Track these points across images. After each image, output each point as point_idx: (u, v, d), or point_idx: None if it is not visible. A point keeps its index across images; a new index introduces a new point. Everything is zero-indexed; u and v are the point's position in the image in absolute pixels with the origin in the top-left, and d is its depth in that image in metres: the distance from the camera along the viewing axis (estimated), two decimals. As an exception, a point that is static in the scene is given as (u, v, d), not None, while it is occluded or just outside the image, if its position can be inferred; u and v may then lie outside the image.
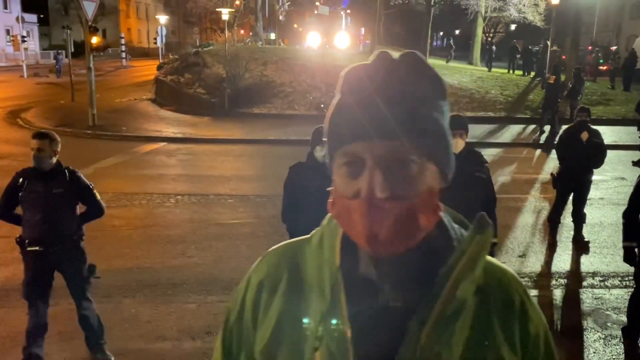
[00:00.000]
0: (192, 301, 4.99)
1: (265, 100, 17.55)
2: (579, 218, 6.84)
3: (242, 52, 19.94)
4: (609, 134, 12.67)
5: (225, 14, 18.86)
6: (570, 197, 6.86)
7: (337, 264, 0.89)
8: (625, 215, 4.27)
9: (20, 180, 3.72)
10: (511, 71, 25.24)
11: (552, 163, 9.80)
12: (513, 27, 42.80)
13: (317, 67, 18.74)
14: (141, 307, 4.91)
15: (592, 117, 7.26)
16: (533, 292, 5.47)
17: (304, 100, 17.42)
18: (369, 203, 0.80)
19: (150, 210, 7.92)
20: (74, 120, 15.46)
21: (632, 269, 4.38)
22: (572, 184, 6.73)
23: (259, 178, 10.10)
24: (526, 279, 5.81)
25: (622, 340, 4.45)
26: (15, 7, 47.85)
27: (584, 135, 6.51)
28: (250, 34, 40.38)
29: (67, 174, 3.81)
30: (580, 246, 6.69)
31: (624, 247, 4.25)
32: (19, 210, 3.86)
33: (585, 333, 4.67)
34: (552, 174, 7.04)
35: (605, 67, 26.42)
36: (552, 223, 6.94)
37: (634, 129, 15.48)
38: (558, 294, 5.54)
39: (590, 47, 30.46)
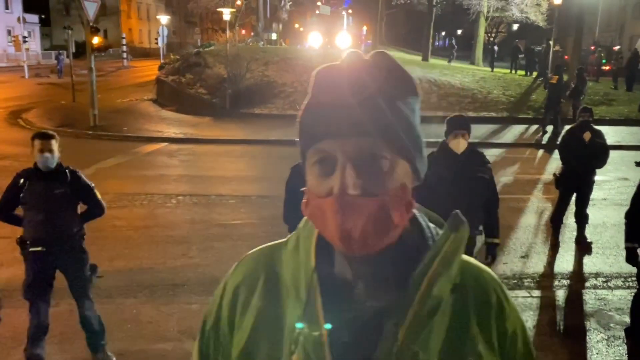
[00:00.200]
0: (194, 302, 4.98)
1: (266, 100, 17.54)
2: (581, 218, 6.82)
3: (243, 52, 19.95)
4: (611, 134, 12.63)
5: (226, 14, 18.86)
6: (573, 198, 6.84)
7: (312, 265, 0.89)
8: (628, 215, 4.25)
9: (22, 181, 3.71)
10: (513, 71, 25.21)
11: (555, 163, 9.77)
12: (515, 27, 42.79)
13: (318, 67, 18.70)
14: (142, 307, 4.90)
15: (595, 117, 7.23)
16: (535, 293, 5.46)
17: None
18: (341, 200, 0.81)
19: (151, 210, 7.92)
20: (75, 121, 15.47)
21: (634, 270, 4.37)
22: (574, 185, 6.71)
23: (260, 179, 10.09)
24: (529, 279, 5.79)
25: (625, 341, 4.43)
26: (17, 7, 47.97)
27: (587, 136, 6.49)
28: (252, 34, 40.40)
29: (68, 173, 3.81)
30: (583, 247, 6.67)
31: (626, 248, 4.23)
32: (18, 211, 3.86)
33: (588, 334, 4.65)
34: (554, 175, 7.01)
35: (607, 67, 26.37)
36: (555, 224, 6.92)
37: (636, 129, 15.48)
38: (561, 294, 5.52)
39: (592, 47, 30.43)
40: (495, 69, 25.38)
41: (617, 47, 31.23)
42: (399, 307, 0.84)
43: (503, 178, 9.92)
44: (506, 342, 0.92)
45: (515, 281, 5.72)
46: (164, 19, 39.26)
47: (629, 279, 5.72)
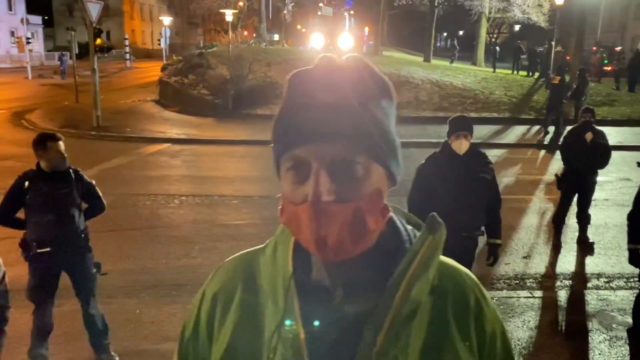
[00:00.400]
0: (196, 302, 4.99)
1: (268, 101, 17.55)
2: (583, 219, 6.82)
3: (245, 53, 19.97)
4: (613, 134, 12.61)
5: (229, 15, 18.89)
6: (575, 198, 6.84)
7: (289, 271, 0.88)
8: (630, 217, 4.25)
9: (26, 183, 3.69)
10: (515, 72, 25.18)
11: (557, 164, 9.76)
12: (517, 27, 42.74)
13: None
14: (145, 308, 4.92)
15: (597, 118, 7.24)
16: (537, 293, 5.46)
17: None
18: (315, 207, 0.80)
19: (154, 211, 7.94)
20: (78, 122, 15.51)
21: (637, 271, 4.37)
22: (576, 185, 6.71)
23: (262, 179, 10.10)
24: (531, 280, 5.79)
25: (627, 342, 4.44)
26: (20, 8, 48.10)
27: (588, 136, 6.49)
28: (254, 35, 40.44)
29: (72, 173, 3.84)
30: (585, 247, 6.67)
31: (629, 250, 4.23)
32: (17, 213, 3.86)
33: (590, 334, 4.65)
34: (556, 175, 7.01)
35: (609, 68, 26.32)
36: (557, 224, 6.92)
37: (638, 129, 15.47)
38: (563, 295, 5.52)
39: (594, 48, 30.36)
40: (497, 70, 25.37)
41: (619, 48, 31.17)
42: (377, 312, 0.84)
43: (505, 179, 9.92)
44: (485, 343, 0.92)
45: (517, 282, 5.73)
46: (167, 20, 39.31)
47: (631, 280, 5.72)
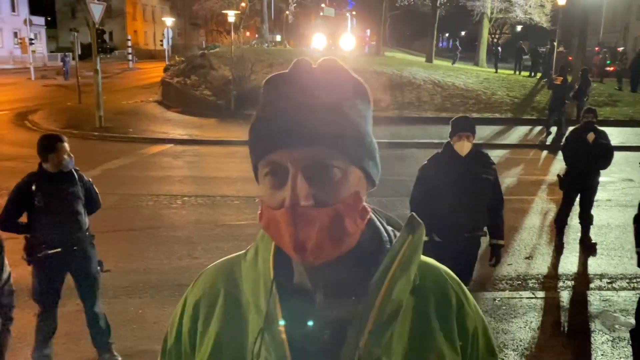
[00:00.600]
0: (199, 302, 5.00)
1: (271, 101, 17.56)
2: (586, 220, 6.81)
3: (248, 54, 19.99)
4: (616, 135, 12.60)
5: (231, 16, 18.91)
6: (577, 199, 6.83)
7: (271, 276, 0.88)
8: (637, 219, 4.21)
9: (33, 186, 3.67)
10: (517, 72, 25.16)
11: (559, 164, 9.76)
12: (519, 28, 42.69)
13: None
14: (148, 308, 4.93)
15: (600, 119, 7.24)
16: (540, 294, 5.46)
17: None
18: (293, 212, 0.79)
19: (156, 211, 7.96)
20: (81, 122, 15.54)
21: (639, 271, 4.36)
22: (578, 186, 6.71)
23: (265, 179, 10.10)
24: (533, 280, 5.79)
25: (630, 343, 4.42)
26: (23, 9, 48.23)
27: (590, 137, 6.48)
28: (256, 36, 40.48)
29: (75, 173, 3.85)
30: (588, 248, 6.66)
31: (638, 253, 4.20)
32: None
33: (593, 335, 4.65)
34: (558, 176, 7.01)
35: (612, 68, 26.27)
36: (559, 225, 6.92)
37: (641, 130, 15.42)
38: (565, 296, 5.52)
39: (597, 48, 30.31)
40: (499, 70, 25.35)
41: (621, 48, 31.11)
42: (359, 313, 0.84)
43: (507, 179, 9.91)
44: (468, 340, 0.93)
45: (519, 282, 5.72)
46: (169, 21, 39.38)
47: (634, 280, 5.72)
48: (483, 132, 13.89)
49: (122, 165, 11.03)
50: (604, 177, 7.29)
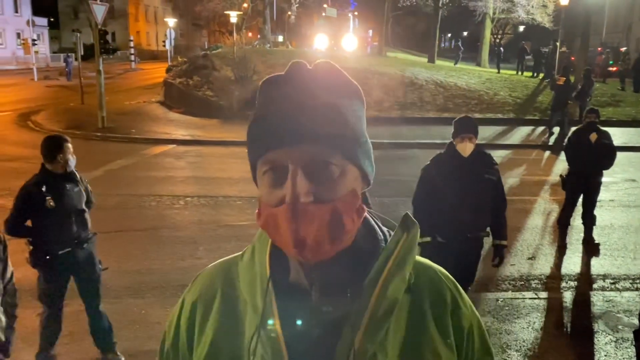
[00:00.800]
0: (201, 303, 5.00)
1: (273, 102, 17.57)
2: (589, 220, 6.80)
3: (250, 54, 20.02)
4: (619, 135, 12.57)
5: (233, 16, 18.97)
6: (580, 199, 6.82)
7: (267, 275, 0.89)
8: None
9: (44, 187, 3.65)
10: (520, 72, 25.13)
11: (562, 165, 9.74)
12: (521, 28, 42.65)
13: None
14: (150, 308, 4.94)
15: (602, 119, 7.22)
16: (543, 294, 5.45)
17: None
18: (293, 208, 0.81)
19: (159, 212, 7.96)
20: (84, 123, 15.58)
21: (643, 272, 4.35)
22: (581, 186, 6.69)
23: (267, 180, 10.11)
24: (536, 281, 5.78)
25: (633, 343, 4.41)
26: (26, 10, 48.37)
27: (593, 137, 6.47)
28: (258, 36, 40.52)
29: (76, 173, 3.87)
30: (591, 248, 6.65)
31: None
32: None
33: (596, 336, 4.63)
34: (561, 176, 6.99)
35: (615, 68, 26.22)
36: (562, 225, 6.90)
37: (644, 130, 15.38)
38: (568, 296, 5.51)
39: (599, 48, 30.26)
40: (501, 71, 25.31)
41: (624, 48, 31.06)
42: (354, 311, 0.85)
43: (510, 179, 9.90)
44: (463, 338, 0.94)
45: (522, 283, 5.72)
46: (172, 21, 39.46)
47: (638, 281, 5.71)
48: (485, 133, 13.88)
49: (124, 166, 11.04)
50: (607, 177, 7.28)
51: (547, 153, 13.23)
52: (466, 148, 3.94)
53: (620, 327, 4.76)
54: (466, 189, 3.85)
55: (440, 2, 29.56)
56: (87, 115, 16.47)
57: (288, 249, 0.84)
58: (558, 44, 20.13)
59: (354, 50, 24.28)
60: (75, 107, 19.27)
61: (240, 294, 0.93)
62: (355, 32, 33.25)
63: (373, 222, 0.94)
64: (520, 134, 15.31)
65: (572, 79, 15.35)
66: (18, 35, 47.23)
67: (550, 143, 13.99)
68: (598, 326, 4.80)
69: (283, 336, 0.85)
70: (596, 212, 6.85)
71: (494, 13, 30.83)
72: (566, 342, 4.64)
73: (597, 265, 6.23)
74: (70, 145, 3.78)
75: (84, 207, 3.88)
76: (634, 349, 4.35)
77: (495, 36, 41.17)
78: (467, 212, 3.85)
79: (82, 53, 22.25)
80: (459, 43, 34.07)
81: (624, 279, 5.83)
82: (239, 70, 17.85)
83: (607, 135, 6.56)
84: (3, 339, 2.67)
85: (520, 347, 4.41)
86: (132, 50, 41.04)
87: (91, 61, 19.28)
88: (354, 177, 0.86)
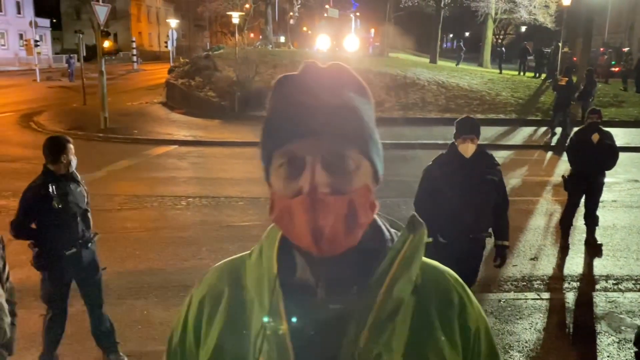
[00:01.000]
0: (204, 303, 5.01)
1: (275, 103, 17.58)
2: (591, 221, 6.79)
3: (252, 55, 20.02)
4: (621, 135, 12.55)
5: (235, 17, 18.97)
6: (583, 200, 6.81)
7: (274, 272, 0.90)
8: None
9: (50, 189, 3.65)
10: (522, 73, 25.11)
11: (564, 165, 9.72)
12: (523, 28, 42.59)
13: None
14: (153, 309, 4.95)
15: (605, 119, 7.20)
16: (545, 295, 5.44)
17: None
18: (312, 198, 0.83)
19: (161, 212, 7.98)
20: (86, 124, 15.61)
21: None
22: (583, 186, 6.68)
23: (269, 181, 10.12)
24: (538, 281, 5.77)
25: (633, 341, 4.41)
26: (29, 11, 48.50)
27: (595, 137, 6.46)
28: (260, 37, 40.55)
29: (77, 174, 3.88)
30: (593, 249, 6.64)
31: None
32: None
33: (599, 337, 4.63)
34: (563, 177, 6.99)
35: (617, 69, 26.19)
36: (564, 226, 6.89)
37: (647, 130, 15.35)
38: (571, 297, 5.50)
39: (602, 49, 30.22)
40: (503, 71, 25.29)
41: (626, 49, 31.01)
42: (360, 309, 0.85)
43: (512, 180, 9.89)
44: (469, 340, 0.94)
45: (524, 283, 5.71)
46: (174, 22, 39.51)
47: (640, 282, 5.69)
48: (487, 133, 13.87)
49: (127, 167, 11.06)
50: (609, 178, 7.27)
51: (550, 154, 13.21)
52: (468, 149, 3.94)
53: (623, 327, 4.76)
54: (468, 189, 3.85)
55: (442, 3, 29.53)
56: (89, 116, 16.50)
57: (303, 241, 0.85)
58: (560, 44, 20.10)
59: (355, 50, 24.28)
60: (77, 108, 19.31)
61: (248, 292, 0.94)
62: (357, 33, 33.25)
63: (380, 223, 0.95)
64: (522, 134, 15.29)
65: (574, 79, 15.33)
66: (20, 36, 47.33)
67: (553, 143, 13.98)
68: (600, 327, 4.79)
69: (289, 333, 0.85)
70: (599, 212, 6.84)
71: (496, 13, 30.80)
72: (568, 343, 4.63)
73: (600, 266, 6.22)
74: (72, 146, 3.79)
75: (87, 207, 3.90)
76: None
77: (497, 36, 41.13)
78: (469, 213, 3.85)
79: (85, 54, 22.29)
80: (461, 43, 33.99)
81: (627, 280, 5.82)
82: (241, 71, 17.86)
83: (609, 136, 6.55)
84: (9, 335, 2.69)
85: (522, 348, 4.40)
86: (134, 51, 41.13)
87: (93, 62, 19.33)
88: (367, 173, 0.88)
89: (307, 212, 0.83)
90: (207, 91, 18.90)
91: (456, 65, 28.27)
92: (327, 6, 31.81)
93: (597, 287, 5.68)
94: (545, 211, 8.31)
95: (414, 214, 0.95)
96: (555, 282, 5.80)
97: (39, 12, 50.42)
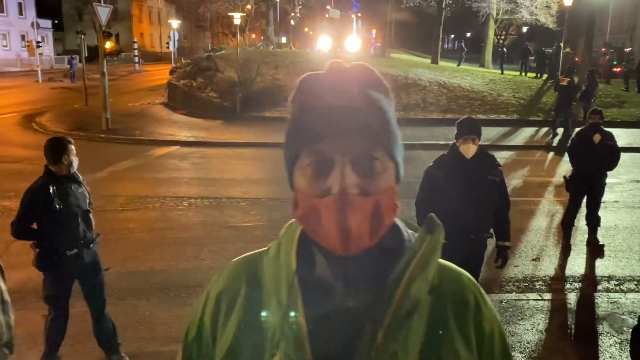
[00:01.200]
0: (205, 304, 5.01)
1: (276, 103, 17.59)
2: (593, 221, 6.78)
3: (253, 56, 20.04)
4: (623, 136, 12.54)
5: (237, 18, 18.97)
6: (584, 200, 6.80)
7: (293, 269, 0.90)
8: None
9: (50, 189, 3.66)
10: (523, 73, 25.09)
11: (566, 166, 9.72)
12: (525, 29, 42.57)
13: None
14: (155, 309, 4.95)
15: (606, 120, 7.20)
16: (547, 296, 5.43)
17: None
18: (342, 198, 0.83)
19: (163, 213, 7.98)
20: (88, 124, 15.63)
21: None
22: (585, 187, 6.68)
23: (270, 181, 10.13)
24: (540, 282, 5.77)
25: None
26: (30, 12, 48.60)
27: (596, 138, 6.46)
28: (262, 38, 40.55)
29: (78, 174, 3.89)
30: (595, 249, 6.63)
31: None
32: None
33: (600, 337, 4.62)
34: (565, 177, 6.98)
35: (619, 69, 26.14)
36: (566, 226, 6.89)
37: (649, 131, 15.33)
38: (573, 297, 5.49)
39: (603, 49, 30.17)
40: (505, 72, 25.28)
41: (628, 49, 30.96)
42: (377, 308, 0.86)
43: (514, 181, 9.88)
44: (484, 342, 0.94)
45: (526, 284, 5.71)
46: (175, 23, 39.57)
47: (642, 282, 5.68)
48: (489, 134, 13.87)
49: (128, 167, 11.08)
50: (611, 178, 7.26)
51: (551, 154, 13.20)
52: (469, 149, 3.94)
53: (625, 328, 4.75)
54: (469, 190, 3.85)
55: (444, 3, 29.54)
56: (91, 117, 16.53)
57: (330, 240, 0.86)
58: (562, 44, 20.08)
59: (357, 51, 24.30)
60: (79, 109, 19.34)
61: (265, 288, 0.94)
62: (358, 33, 33.28)
63: (399, 223, 0.97)
64: (524, 135, 15.28)
65: (576, 79, 15.32)
66: (22, 37, 47.42)
67: (554, 144, 13.96)
68: (602, 328, 4.79)
69: (306, 329, 0.86)
70: (600, 213, 6.84)
71: (498, 14, 30.78)
72: (570, 343, 4.62)
73: (602, 267, 6.21)
74: (73, 146, 3.80)
75: (88, 207, 3.90)
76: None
77: (498, 37, 41.11)
78: (470, 214, 3.85)
79: (86, 55, 22.32)
80: (462, 44, 33.99)
81: (629, 281, 5.81)
82: (243, 72, 17.88)
83: (610, 136, 6.55)
84: (12, 334, 2.69)
85: (524, 348, 4.40)
86: (136, 52, 41.18)
87: (95, 63, 19.39)
88: (391, 173, 0.89)
89: (337, 212, 0.84)
90: (208, 92, 18.92)
91: (457, 65, 28.26)
92: (328, 7, 31.82)
93: (599, 287, 5.68)
94: (546, 212, 8.30)
95: (432, 215, 0.96)
96: (557, 282, 5.80)
97: (41, 13, 50.51)
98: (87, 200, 3.91)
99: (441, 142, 11.68)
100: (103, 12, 14.63)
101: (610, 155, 6.43)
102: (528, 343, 4.48)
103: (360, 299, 0.87)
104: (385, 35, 33.43)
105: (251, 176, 10.87)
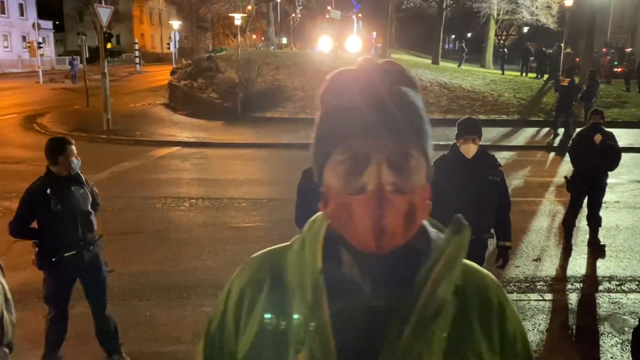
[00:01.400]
0: (206, 304, 5.01)
1: (277, 104, 17.62)
2: (594, 221, 6.77)
3: (254, 56, 20.04)
4: (624, 136, 12.53)
5: (237, 19, 18.98)
6: (585, 201, 6.80)
7: (319, 267, 0.90)
8: None
9: (49, 189, 3.67)
10: (524, 74, 25.08)
11: (566, 166, 9.71)
12: (526, 29, 42.57)
13: (329, 71, 18.54)
14: (156, 310, 4.95)
15: (607, 120, 7.19)
16: (548, 296, 5.43)
17: (316, 104, 17.47)
18: (378, 196, 0.83)
19: (164, 214, 7.99)
20: (89, 125, 15.65)
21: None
22: (586, 187, 6.67)
23: (271, 182, 10.13)
24: (541, 282, 5.76)
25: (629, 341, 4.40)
26: (31, 13, 48.68)
27: (597, 138, 6.46)
28: (263, 38, 40.57)
29: (81, 175, 3.89)
30: (596, 250, 6.62)
31: None
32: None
33: (602, 338, 4.62)
34: (566, 177, 6.98)
35: (620, 69, 26.13)
36: (567, 227, 6.88)
37: (650, 131, 15.31)
38: (574, 298, 5.49)
39: (604, 49, 30.16)
40: (505, 72, 25.27)
41: (629, 49, 30.94)
42: (404, 307, 0.86)
43: (514, 181, 9.88)
44: (507, 343, 0.94)
45: (527, 284, 5.70)
46: (176, 24, 39.58)
47: (643, 283, 5.68)
48: (490, 134, 13.87)
49: (129, 168, 11.09)
50: (612, 178, 7.25)
51: (552, 154, 13.20)
52: (470, 149, 3.94)
53: (626, 329, 4.74)
54: (470, 190, 3.85)
55: (444, 4, 29.54)
56: (92, 118, 16.54)
57: (363, 237, 0.85)
58: (563, 45, 20.08)
59: (357, 51, 24.31)
60: (80, 110, 19.36)
61: (289, 285, 0.93)
62: (359, 34, 33.28)
63: (426, 223, 0.96)
64: (524, 135, 15.27)
65: (576, 80, 15.31)
66: (24, 38, 47.51)
67: (555, 144, 13.96)
68: (604, 328, 4.78)
69: (332, 328, 0.85)
70: (602, 213, 6.83)
71: (498, 14, 30.78)
72: (571, 344, 4.62)
73: (603, 267, 6.20)
74: (73, 147, 3.79)
75: (89, 209, 3.89)
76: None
77: (499, 37, 41.12)
78: (470, 214, 3.82)
79: (87, 56, 22.34)
80: (463, 44, 33.99)
81: (630, 281, 5.81)
82: (244, 73, 17.89)
83: (611, 137, 6.55)
84: (14, 334, 2.69)
85: (525, 349, 4.39)
86: (137, 53, 41.21)
87: (96, 64, 19.40)
88: (424, 172, 0.89)
89: (372, 210, 0.83)
90: (209, 92, 18.94)
91: (458, 66, 28.24)
92: (329, 7, 31.84)
93: (600, 288, 5.67)
94: (547, 212, 8.30)
95: (459, 215, 0.95)
96: (558, 283, 5.79)
97: (42, 14, 50.59)
98: (89, 202, 3.91)
99: (442, 143, 11.64)
100: (104, 13, 14.66)
101: (611, 155, 6.43)
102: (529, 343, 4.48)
103: (386, 298, 0.87)
104: (386, 36, 33.43)
105: (252, 177, 10.87)
